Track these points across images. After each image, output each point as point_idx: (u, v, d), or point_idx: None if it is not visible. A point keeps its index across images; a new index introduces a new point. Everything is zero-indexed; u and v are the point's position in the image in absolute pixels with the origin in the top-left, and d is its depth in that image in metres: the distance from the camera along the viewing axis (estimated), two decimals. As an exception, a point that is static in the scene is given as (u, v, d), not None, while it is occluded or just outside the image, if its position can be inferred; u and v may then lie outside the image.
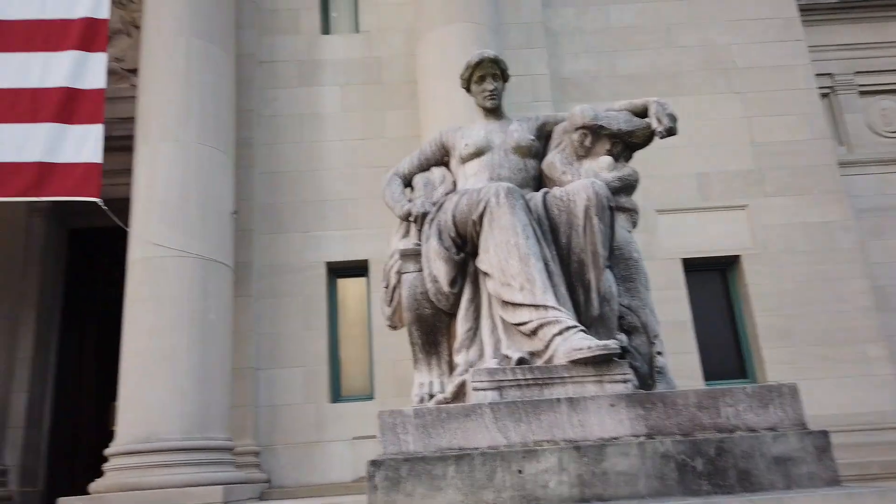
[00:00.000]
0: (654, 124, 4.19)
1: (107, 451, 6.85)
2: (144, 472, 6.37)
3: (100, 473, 6.83)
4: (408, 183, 4.63)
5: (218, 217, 7.62)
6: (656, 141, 4.49)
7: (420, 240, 4.05)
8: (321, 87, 9.54)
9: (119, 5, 9.81)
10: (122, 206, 7.71)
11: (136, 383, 6.80)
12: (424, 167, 4.61)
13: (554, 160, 4.46)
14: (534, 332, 3.46)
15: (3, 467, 9.05)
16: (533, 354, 3.48)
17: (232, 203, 8.04)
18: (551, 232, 3.82)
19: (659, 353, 4.02)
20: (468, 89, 4.65)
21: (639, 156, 4.64)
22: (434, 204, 4.08)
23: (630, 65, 9.86)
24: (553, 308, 3.45)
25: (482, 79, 4.51)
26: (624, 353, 3.41)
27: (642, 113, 4.31)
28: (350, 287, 9.37)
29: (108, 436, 7.73)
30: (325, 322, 8.85)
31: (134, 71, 10.06)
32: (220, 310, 7.39)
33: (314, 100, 9.51)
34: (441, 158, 4.60)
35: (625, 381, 3.28)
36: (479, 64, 4.49)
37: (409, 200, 4.37)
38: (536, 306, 3.45)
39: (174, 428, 6.62)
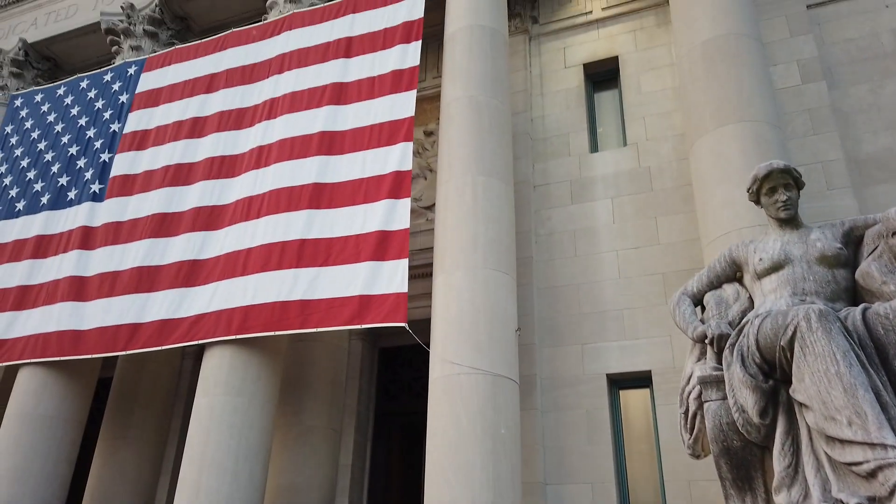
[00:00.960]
0: None
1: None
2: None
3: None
4: (697, 302, 4.50)
5: (504, 335, 8.12)
6: None
7: (718, 363, 3.88)
8: (593, 202, 9.88)
9: (416, 154, 11.46)
10: (422, 326, 8.68)
11: (437, 493, 7.31)
12: (714, 284, 4.46)
13: (870, 269, 3.99)
14: (872, 475, 3.03)
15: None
16: (873, 500, 3.03)
17: (515, 320, 8.53)
18: (877, 354, 3.39)
19: None
20: (757, 201, 4.45)
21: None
22: (730, 324, 3.90)
23: (950, 137, 8.51)
24: (893, 447, 3.00)
25: (773, 190, 4.30)
26: None
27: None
28: (632, 399, 9.12)
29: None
30: (609, 436, 8.67)
31: (429, 207, 11.57)
32: (509, 424, 7.71)
33: (586, 214, 9.86)
34: (732, 275, 4.42)
35: None
36: (768, 176, 4.31)
37: (701, 321, 4.23)
38: (872, 444, 3.03)
39: (473, 541, 6.89)
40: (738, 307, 4.17)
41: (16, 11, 15.11)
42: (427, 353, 8.30)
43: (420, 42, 10.22)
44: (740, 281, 4.42)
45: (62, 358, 9.98)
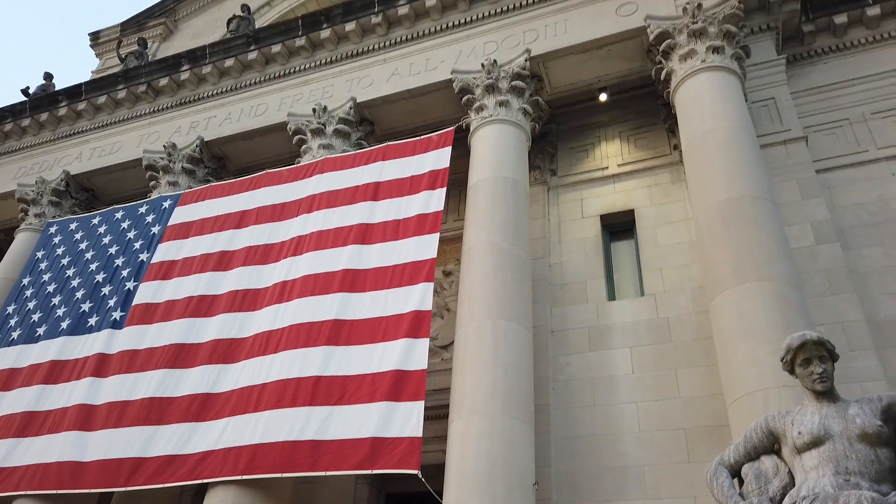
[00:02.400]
0: None
1: None
2: None
3: None
4: (735, 473, 4.35)
5: (522, 489, 7.78)
6: None
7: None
8: (611, 351, 9.83)
9: (435, 293, 11.60)
10: (434, 472, 8.32)
11: None
12: (752, 455, 4.33)
13: (914, 448, 3.87)
14: None
15: None
16: None
17: (533, 474, 8.20)
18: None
19: None
20: (791, 371, 4.43)
21: None
22: (771, 500, 3.74)
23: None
24: None
25: (808, 361, 4.28)
26: None
27: None
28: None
29: None
30: None
31: (445, 347, 11.54)
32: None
33: (605, 363, 9.77)
34: (770, 446, 4.30)
35: None
36: (802, 346, 4.31)
37: (741, 494, 4.06)
38: None
39: None
40: (778, 482, 4.01)
41: (63, 145, 16.10)
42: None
43: (445, 189, 10.71)
44: (778, 453, 4.29)
45: (59, 491, 9.59)
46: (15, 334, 12.29)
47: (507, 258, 9.73)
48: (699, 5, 10.66)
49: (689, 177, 9.73)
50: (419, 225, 10.48)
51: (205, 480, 8.99)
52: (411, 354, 9.03)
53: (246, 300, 10.94)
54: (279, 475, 8.59)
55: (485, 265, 9.62)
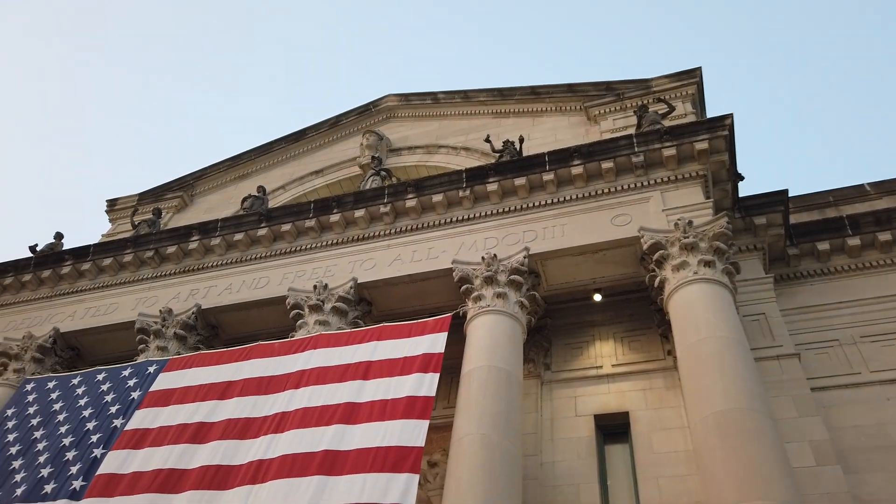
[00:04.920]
0: None
1: None
2: None
3: None
4: None
5: None
6: None
7: None
8: (607, 568, 9.07)
9: (418, 486, 10.97)
10: None
11: None
12: None
13: None
14: None
15: None
16: None
17: None
18: None
19: None
20: None
21: None
22: None
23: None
24: None
25: None
26: None
27: None
28: None
29: None
30: None
31: None
32: None
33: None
34: None
35: None
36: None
37: None
38: None
39: None
40: None
41: (59, 302, 16.14)
42: None
43: (438, 375, 10.58)
44: None
45: None
46: (-38, 498, 11.36)
47: (497, 452, 9.36)
48: (690, 222, 11.38)
49: (685, 385, 9.70)
50: (408, 408, 10.20)
51: None
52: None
53: (217, 478, 10.29)
54: None
55: (474, 459, 9.23)
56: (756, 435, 8.37)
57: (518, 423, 10.21)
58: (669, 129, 13.01)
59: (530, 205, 13.35)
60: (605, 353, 12.30)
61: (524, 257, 12.26)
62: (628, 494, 10.26)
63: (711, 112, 15.25)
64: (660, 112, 15.09)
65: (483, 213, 13.71)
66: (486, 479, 8.95)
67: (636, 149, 12.89)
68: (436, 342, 11.28)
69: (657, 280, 11.46)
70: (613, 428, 11.24)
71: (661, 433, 10.58)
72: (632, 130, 14.07)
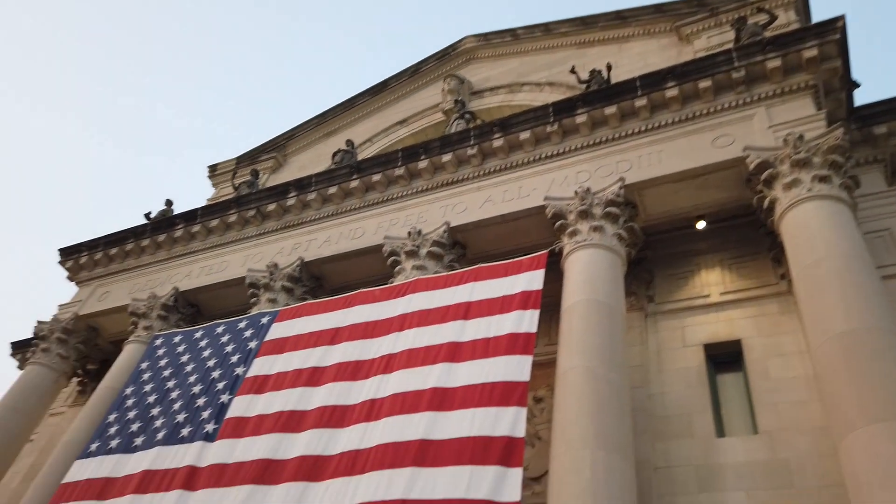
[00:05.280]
0: None
1: None
2: None
3: None
4: None
5: None
6: None
7: None
8: (724, 493, 8.96)
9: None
10: None
11: None
12: None
13: None
14: None
15: None
16: None
17: None
18: None
19: None
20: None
21: None
22: None
23: None
24: None
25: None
26: None
27: None
28: None
29: None
30: None
31: (537, 479, 10.89)
32: None
33: (717, 507, 8.87)
34: None
35: None
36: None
37: None
38: None
39: None
40: None
41: (175, 264, 17.26)
42: None
43: (538, 311, 10.56)
44: None
45: None
46: (114, 443, 12.58)
47: (604, 384, 9.31)
48: (801, 137, 10.60)
49: (802, 308, 9.21)
50: (510, 344, 10.28)
51: None
52: (503, 485, 8.51)
53: (334, 417, 10.84)
54: None
55: (580, 391, 9.23)
56: (883, 355, 7.88)
57: (623, 356, 10.08)
58: (773, 38, 12.07)
59: (623, 134, 12.86)
60: (711, 281, 11.85)
61: (619, 188, 11.89)
62: (744, 422, 9.99)
63: (817, 17, 13.94)
64: (760, 23, 13.98)
65: (573, 147, 13.35)
66: (594, 411, 8.95)
67: (736, 63, 12.06)
68: (533, 279, 11.23)
69: (766, 201, 10.82)
70: (724, 357, 10.90)
71: (777, 359, 10.16)
72: (729, 46, 13.13)
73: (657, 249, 12.69)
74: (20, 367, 19.59)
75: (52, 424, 17.52)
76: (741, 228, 12.21)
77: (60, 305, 17.62)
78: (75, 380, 17.88)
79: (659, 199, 12.14)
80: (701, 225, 12.41)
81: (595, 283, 10.84)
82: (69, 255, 18.38)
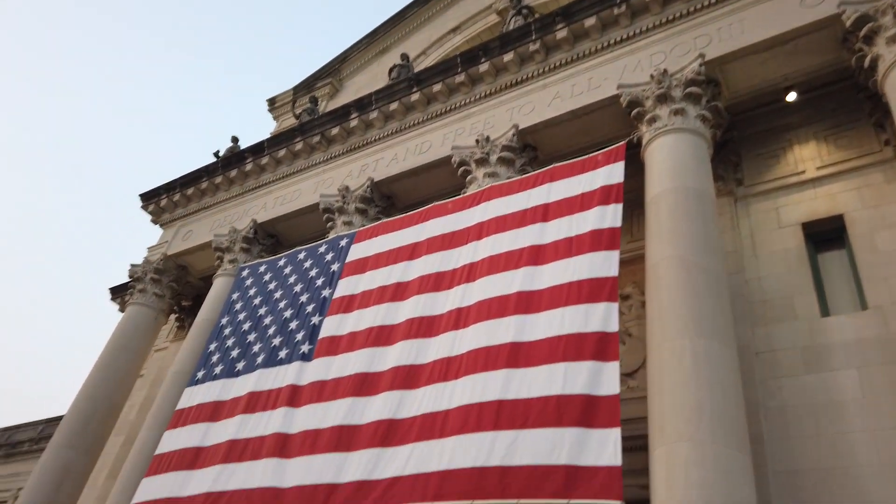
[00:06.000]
0: None
1: None
2: None
3: None
4: None
5: (744, 528, 6.86)
6: None
7: None
8: (833, 373, 8.61)
9: (615, 316, 10.96)
10: (633, 509, 7.63)
11: None
12: None
13: None
14: None
15: None
16: None
17: (755, 509, 7.23)
18: None
19: None
20: None
21: None
22: None
23: None
24: None
25: None
26: None
27: None
28: None
29: None
30: None
31: (630, 374, 10.82)
32: None
33: (827, 387, 8.56)
34: None
35: None
36: None
37: None
38: None
39: None
40: None
41: (250, 197, 17.57)
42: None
43: (621, 204, 10.16)
44: None
45: (262, 516, 10.00)
46: (217, 370, 13.28)
47: (698, 272, 8.95)
48: (905, -20, 9.45)
49: (914, 170, 8.45)
50: (594, 241, 9.98)
51: (396, 506, 8.91)
52: (599, 379, 8.46)
53: (422, 328, 10.97)
54: (469, 502, 8.29)
55: (674, 280, 8.91)
56: None
57: (716, 241, 9.62)
58: None
59: (699, 6, 11.83)
60: (805, 156, 11.04)
61: (699, 65, 11.05)
62: (851, 299, 9.47)
63: None
64: None
65: (644, 29, 12.44)
66: (691, 299, 8.66)
67: None
68: (613, 172, 10.76)
69: (867, 60, 9.83)
70: (825, 234, 10.26)
71: (886, 231, 9.47)
72: None
73: (743, 129, 11.88)
74: (121, 310, 20.83)
75: (158, 359, 18.71)
76: (837, 96, 11.23)
77: (149, 248, 18.39)
78: (173, 316, 18.87)
79: (743, 74, 11.24)
80: (791, 97, 11.48)
81: (681, 169, 10.28)
82: (149, 199, 19.02)
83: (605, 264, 9.57)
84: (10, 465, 26.17)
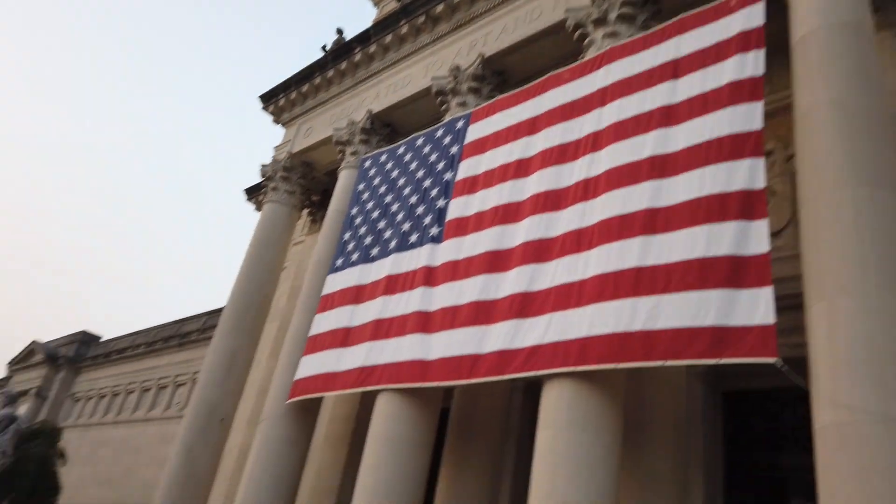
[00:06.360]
0: None
1: None
2: None
3: None
4: None
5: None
6: None
7: None
8: None
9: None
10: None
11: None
12: None
13: None
14: None
15: None
16: None
17: (926, 361, 6.84)
18: None
19: None
20: None
21: None
22: None
23: None
24: None
25: None
26: None
27: None
28: None
29: None
30: None
31: (776, 234, 10.25)
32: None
33: None
34: None
35: None
36: None
37: None
38: None
39: None
40: None
41: (363, 87, 17.67)
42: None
43: (763, 49, 9.23)
44: None
45: (414, 385, 10.81)
46: (354, 257, 14.04)
47: (856, 115, 8.07)
48: None
49: None
50: (734, 93, 9.22)
51: (538, 372, 9.30)
52: (747, 238, 8.10)
53: (549, 201, 10.88)
54: (613, 365, 8.48)
55: (829, 126, 8.10)
56: None
57: (878, 81, 8.57)
58: None
59: None
60: None
61: None
62: None
63: None
64: None
65: None
66: (848, 145, 7.88)
67: None
68: (752, 15, 9.70)
69: None
70: None
71: None
72: None
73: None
74: (257, 210, 22.25)
75: (297, 252, 20.02)
76: None
77: (275, 147, 19.22)
78: (305, 211, 19.93)
79: None
80: None
81: (831, 1, 9.07)
82: (269, 100, 19.63)
83: (747, 117, 8.88)
84: (184, 353, 29.81)
